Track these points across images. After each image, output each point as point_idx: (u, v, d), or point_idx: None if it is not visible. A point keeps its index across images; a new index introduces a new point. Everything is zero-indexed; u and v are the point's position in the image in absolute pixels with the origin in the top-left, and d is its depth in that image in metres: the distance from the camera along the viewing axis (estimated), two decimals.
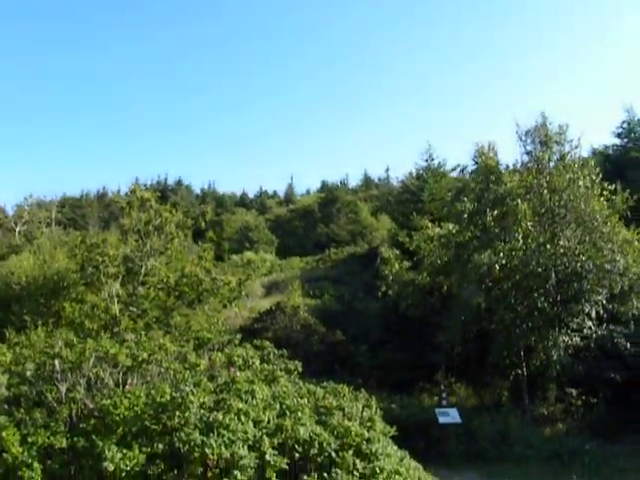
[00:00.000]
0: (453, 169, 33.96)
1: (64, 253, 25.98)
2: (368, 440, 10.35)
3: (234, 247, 67.61)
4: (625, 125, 42.87)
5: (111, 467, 8.55)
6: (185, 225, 23.54)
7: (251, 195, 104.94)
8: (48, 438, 9.57)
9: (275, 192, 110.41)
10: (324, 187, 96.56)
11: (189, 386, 10.00)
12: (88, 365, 10.76)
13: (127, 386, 10.55)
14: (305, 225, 75.91)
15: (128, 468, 8.63)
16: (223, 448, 8.62)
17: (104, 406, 9.77)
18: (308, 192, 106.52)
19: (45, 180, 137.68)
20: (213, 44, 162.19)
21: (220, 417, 9.15)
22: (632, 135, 42.28)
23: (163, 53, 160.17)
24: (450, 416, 16.95)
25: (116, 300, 20.78)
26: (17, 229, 53.91)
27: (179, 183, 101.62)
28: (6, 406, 10.66)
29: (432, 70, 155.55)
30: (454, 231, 23.48)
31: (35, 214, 55.53)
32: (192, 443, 8.68)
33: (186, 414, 9.21)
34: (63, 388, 10.52)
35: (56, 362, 10.98)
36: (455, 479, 13.35)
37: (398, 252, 26.90)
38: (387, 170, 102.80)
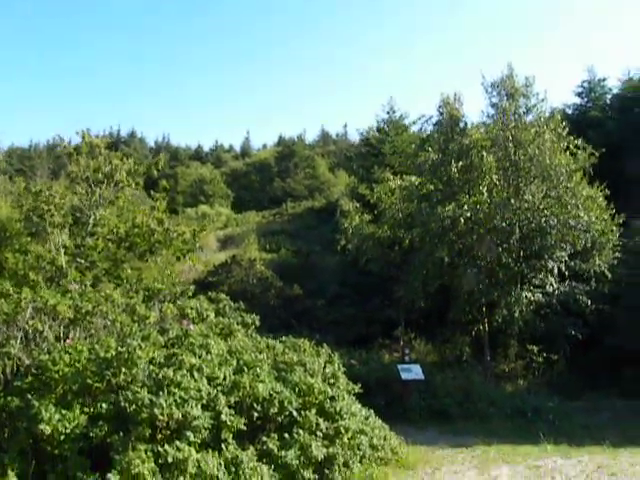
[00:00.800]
0: (414, 122, 33.21)
1: (7, 202, 24.59)
2: (332, 398, 9.69)
3: (189, 201, 66.48)
4: (586, 85, 42.80)
5: (48, 429, 7.66)
6: (137, 173, 22.39)
7: (206, 149, 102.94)
8: None
9: (231, 146, 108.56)
10: (281, 142, 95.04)
11: (136, 340, 9.11)
12: (24, 317, 9.76)
13: (68, 340, 9.60)
14: (261, 179, 74.82)
15: (67, 430, 7.74)
16: (174, 408, 7.79)
17: (42, 362, 8.84)
18: (265, 147, 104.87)
19: None
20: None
21: (171, 374, 8.30)
22: (592, 95, 42.24)
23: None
24: (413, 372, 16.43)
25: (63, 251, 19.63)
26: None
27: (132, 135, 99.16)
28: None
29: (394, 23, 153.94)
30: (417, 183, 22.77)
31: None
32: (139, 402, 7.82)
33: (133, 370, 8.35)
34: None
35: None
36: (418, 437, 12.78)
37: (358, 205, 26.16)
38: (345, 126, 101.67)
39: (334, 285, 29.20)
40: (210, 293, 14.28)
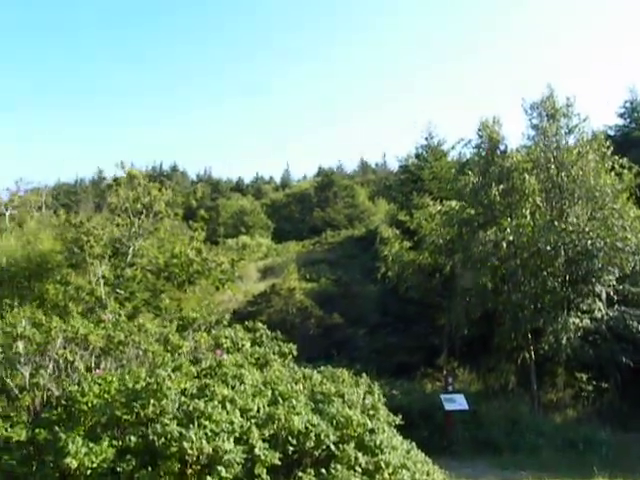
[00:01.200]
0: (453, 147, 32.66)
1: (49, 234, 24.81)
2: (371, 431, 9.14)
3: (230, 232, 66.72)
4: (628, 105, 42.08)
5: (74, 463, 7.34)
6: (175, 203, 22.40)
7: (247, 181, 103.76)
8: (6, 430, 8.40)
9: (271, 178, 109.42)
10: (320, 172, 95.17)
11: (167, 370, 8.78)
12: (54, 347, 9.53)
13: (97, 371, 9.31)
14: (301, 210, 74.80)
15: (94, 465, 7.42)
16: (204, 442, 7.41)
17: (71, 393, 8.56)
18: (305, 178, 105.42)
19: (41, 168, 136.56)
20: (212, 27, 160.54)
21: (202, 405, 7.91)
22: (635, 115, 41.49)
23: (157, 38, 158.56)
24: (457, 402, 15.79)
25: (102, 282, 19.63)
26: (7, 213, 52.78)
27: (174, 169, 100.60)
28: None
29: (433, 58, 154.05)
30: (457, 207, 22.27)
31: (26, 199, 54.43)
32: (168, 436, 7.45)
33: (162, 402, 7.98)
34: (26, 373, 9.31)
35: (19, 344, 9.77)
36: (463, 471, 12.19)
37: (398, 232, 25.72)
38: (384, 156, 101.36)
39: (375, 314, 28.71)
40: (247, 322, 13.93)
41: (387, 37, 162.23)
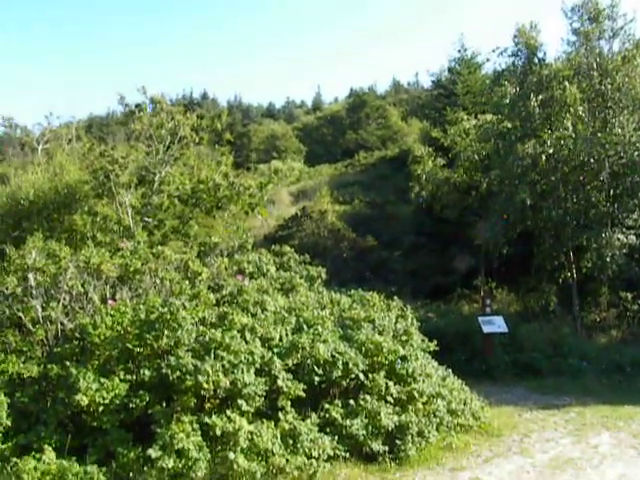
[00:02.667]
0: (487, 59, 30.91)
1: (75, 165, 24.36)
2: (403, 358, 8.59)
3: (262, 157, 66.06)
4: None
5: (85, 400, 6.90)
6: (200, 127, 21.64)
7: (278, 106, 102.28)
8: (19, 366, 7.98)
9: (303, 102, 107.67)
10: (352, 94, 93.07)
11: (182, 299, 8.23)
12: (65, 278, 9.02)
13: (110, 302, 8.80)
14: (334, 132, 73.46)
15: (106, 401, 6.97)
16: (221, 374, 6.89)
17: (83, 326, 8.10)
18: (336, 100, 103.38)
19: (73, 101, 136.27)
20: None
21: (218, 336, 7.38)
22: None
23: None
24: (495, 325, 15.09)
25: (130, 211, 19.17)
26: (39, 147, 52.69)
27: (204, 97, 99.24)
28: None
29: None
30: (493, 121, 21.07)
31: (58, 132, 54.23)
32: (183, 369, 6.96)
33: (177, 333, 7.47)
34: (38, 306, 8.86)
35: (30, 275, 9.30)
36: (503, 397, 11.63)
37: (431, 149, 24.67)
38: (417, 75, 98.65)
39: (410, 235, 28.00)
40: (274, 247, 13.33)
41: None
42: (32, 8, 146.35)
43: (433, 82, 37.07)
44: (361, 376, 7.98)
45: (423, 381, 8.34)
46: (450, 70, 33.16)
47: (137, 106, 21.28)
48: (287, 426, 7.13)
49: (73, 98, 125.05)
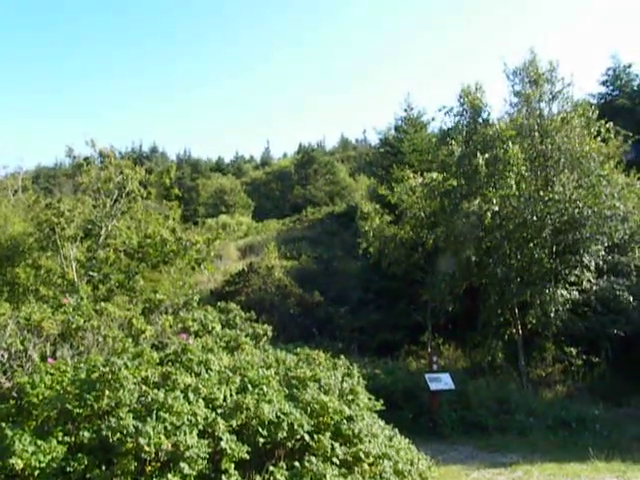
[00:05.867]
0: (433, 118, 31.93)
1: (20, 217, 23.89)
2: (349, 418, 8.48)
3: (210, 212, 65.89)
4: (611, 72, 41.52)
5: (19, 464, 6.60)
6: (149, 182, 21.56)
7: (227, 160, 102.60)
8: None
9: (252, 157, 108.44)
10: (301, 150, 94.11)
11: (125, 358, 8.02)
12: (4, 335, 8.74)
13: (50, 360, 8.54)
14: (282, 187, 73.92)
15: (42, 465, 6.68)
16: (162, 436, 6.69)
17: (21, 385, 7.81)
18: (285, 155, 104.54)
19: (21, 150, 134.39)
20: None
21: (161, 396, 7.19)
22: (618, 82, 40.95)
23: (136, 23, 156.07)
24: (442, 382, 15.12)
25: (74, 264, 18.83)
26: None
27: (154, 150, 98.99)
28: None
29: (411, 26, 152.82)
30: (439, 179, 21.50)
31: (3, 183, 53.30)
32: (124, 431, 6.73)
33: (118, 393, 7.25)
34: None
35: None
36: (450, 455, 11.59)
37: (378, 206, 24.97)
38: (364, 132, 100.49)
39: (357, 291, 28.09)
40: (220, 303, 13.19)
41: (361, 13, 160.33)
42: None
43: (380, 140, 37.84)
44: (306, 437, 7.84)
45: (369, 441, 8.23)
46: (397, 129, 33.92)
47: (85, 159, 21.12)
48: None
49: (21, 147, 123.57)
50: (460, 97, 21.28)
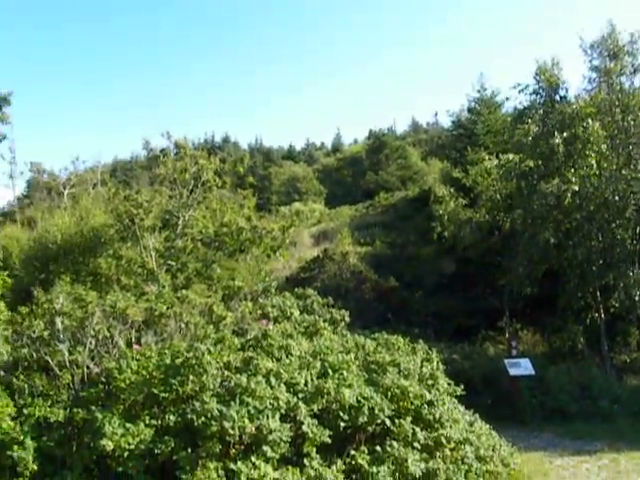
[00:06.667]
0: (507, 98, 30.96)
1: (101, 209, 24.65)
2: (430, 403, 8.46)
3: (283, 200, 66.40)
4: None
5: (110, 445, 6.87)
6: (223, 172, 21.84)
7: (298, 148, 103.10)
8: (45, 410, 8.00)
9: (323, 144, 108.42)
10: (371, 135, 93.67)
11: (208, 344, 8.21)
12: (92, 322, 9.07)
13: (136, 346, 8.82)
14: (354, 174, 73.73)
15: (131, 446, 6.94)
16: (246, 420, 6.83)
17: (108, 370, 8.12)
18: (356, 142, 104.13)
19: (99, 145, 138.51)
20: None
21: (244, 381, 7.34)
22: None
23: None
24: (522, 367, 14.85)
25: (154, 254, 19.32)
26: (65, 192, 53.52)
27: (226, 140, 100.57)
28: (3, 372, 9.13)
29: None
30: (515, 160, 21.03)
31: (83, 177, 55.07)
32: (208, 414, 6.90)
33: (202, 378, 7.44)
34: (65, 350, 8.90)
35: (57, 320, 9.37)
36: (532, 443, 11.38)
37: (453, 190, 24.62)
38: (436, 115, 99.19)
39: (432, 275, 27.78)
40: (297, 290, 13.29)
41: None
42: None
43: (453, 122, 37.24)
44: (387, 422, 7.86)
45: (450, 427, 8.19)
46: (470, 110, 33.29)
47: (162, 151, 21.58)
48: (312, 473, 7.03)
49: (99, 142, 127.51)
50: (536, 74, 20.65)
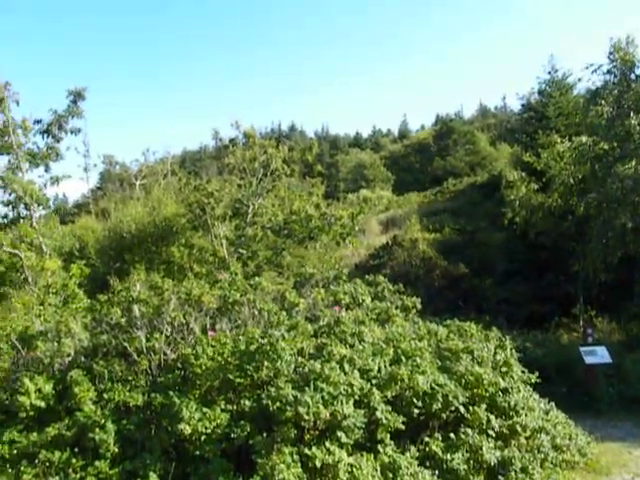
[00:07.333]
0: (579, 79, 30.15)
1: (172, 199, 25.23)
2: (505, 390, 8.38)
3: (350, 187, 66.45)
4: None
5: (188, 429, 7.08)
6: (292, 160, 21.99)
7: (365, 135, 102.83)
8: (125, 394, 8.29)
9: (389, 130, 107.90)
10: (439, 120, 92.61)
11: (282, 330, 8.33)
12: (168, 309, 9.31)
13: (210, 332, 9.02)
14: (421, 160, 73.29)
15: (208, 431, 7.13)
16: (321, 406, 6.91)
17: (185, 356, 8.34)
18: (423, 127, 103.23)
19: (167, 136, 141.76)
20: None
21: (318, 367, 7.42)
22: None
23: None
24: (598, 355, 14.47)
25: (224, 242, 19.66)
26: (137, 183, 54.93)
27: (292, 129, 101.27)
28: (83, 358, 9.49)
29: None
30: (589, 143, 20.44)
31: (153, 168, 56.31)
32: (283, 400, 7.01)
33: (277, 364, 7.55)
34: (143, 336, 9.18)
35: (134, 307, 9.66)
36: (609, 432, 11.06)
37: (524, 174, 24.12)
38: (504, 98, 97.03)
39: (503, 262, 27.37)
40: (368, 276, 13.30)
41: None
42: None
43: (522, 105, 36.30)
44: (461, 409, 7.82)
45: (526, 415, 8.09)
46: (540, 92, 32.42)
47: (231, 140, 21.89)
48: (386, 459, 7.07)
49: (167, 133, 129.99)
50: (610, 53, 19.96)
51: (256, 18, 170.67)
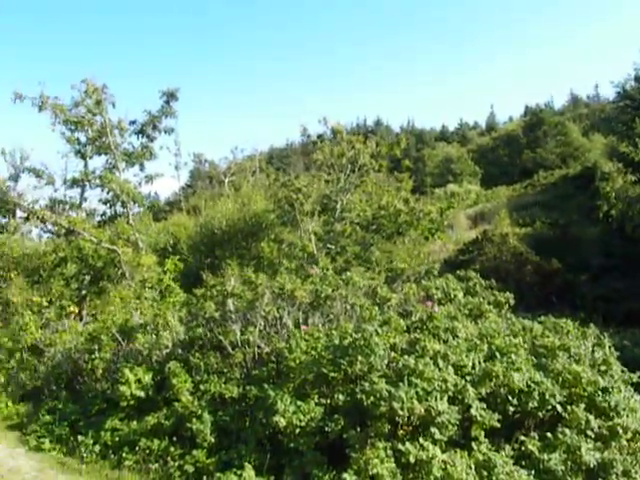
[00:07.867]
0: None
1: (260, 195, 25.67)
2: (604, 390, 8.10)
3: (437, 181, 65.94)
4: None
5: (282, 422, 7.21)
6: (380, 155, 21.95)
7: (451, 128, 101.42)
8: (220, 386, 8.54)
9: (476, 123, 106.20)
10: (527, 112, 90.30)
11: (375, 325, 8.35)
12: (262, 303, 9.50)
13: (303, 327, 9.15)
14: (510, 152, 71.75)
15: (302, 423, 7.25)
16: (415, 401, 6.89)
17: (279, 350, 8.50)
18: (511, 119, 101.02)
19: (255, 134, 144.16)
20: None
21: (412, 362, 7.40)
22: None
23: None
24: None
25: (313, 238, 19.86)
26: (226, 180, 56.07)
27: (378, 123, 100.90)
28: (180, 350, 9.82)
29: None
30: None
31: (242, 165, 57.35)
32: (377, 395, 7.02)
33: (370, 359, 7.58)
34: (237, 330, 9.41)
35: (229, 301, 9.91)
36: None
37: (620, 165, 23.31)
38: (596, 87, 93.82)
39: (598, 257, 26.48)
40: (459, 272, 13.15)
41: None
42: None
43: (618, 93, 35.08)
44: (559, 408, 7.63)
45: (627, 416, 7.80)
46: (637, 78, 31.23)
47: (319, 136, 22.05)
48: (481, 457, 6.98)
49: (255, 131, 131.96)
50: None
51: (340, 20, 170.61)
